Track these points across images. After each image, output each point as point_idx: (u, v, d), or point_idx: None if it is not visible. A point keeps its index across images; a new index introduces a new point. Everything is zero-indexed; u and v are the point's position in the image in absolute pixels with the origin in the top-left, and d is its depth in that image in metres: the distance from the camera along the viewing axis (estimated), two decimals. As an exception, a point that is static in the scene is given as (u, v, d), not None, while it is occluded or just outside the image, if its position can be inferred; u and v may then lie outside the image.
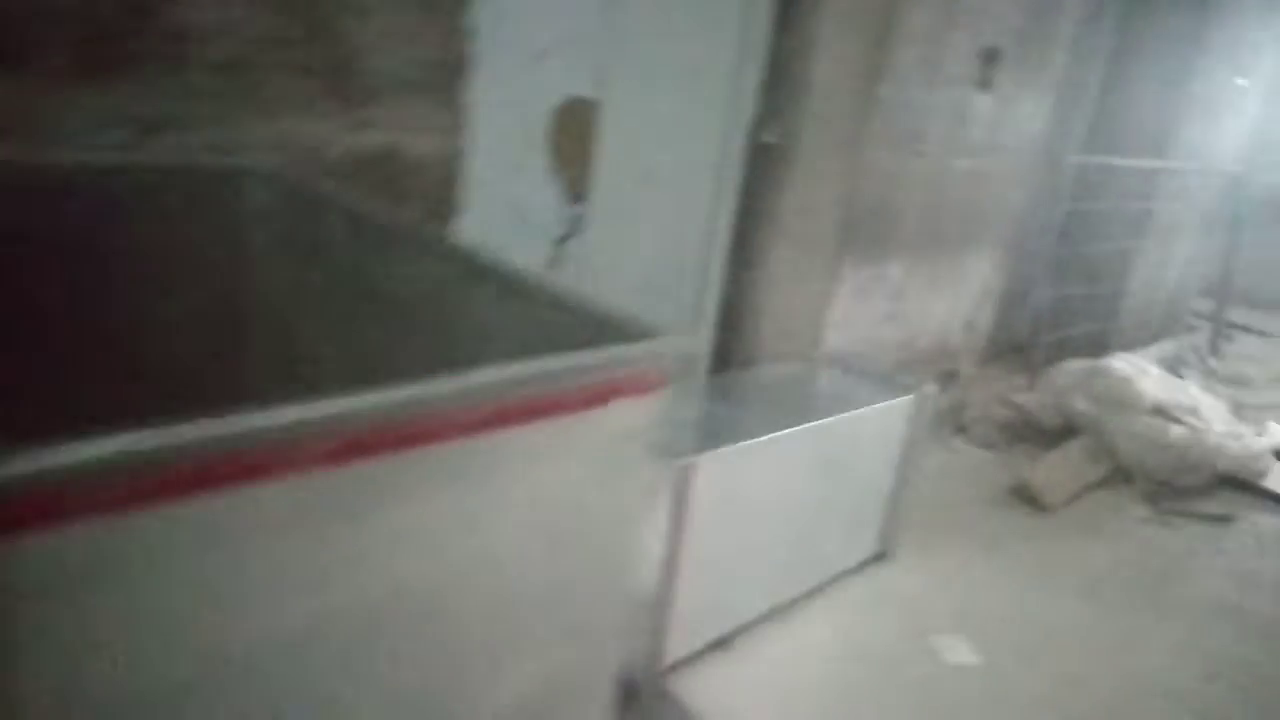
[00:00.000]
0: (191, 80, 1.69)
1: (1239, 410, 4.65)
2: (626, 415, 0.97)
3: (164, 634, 0.72)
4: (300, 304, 1.73)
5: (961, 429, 4.18)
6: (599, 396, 0.93)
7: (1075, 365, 4.31)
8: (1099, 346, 4.89)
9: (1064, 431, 4.14)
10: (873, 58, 3.12)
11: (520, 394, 0.87)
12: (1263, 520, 3.86)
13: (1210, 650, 2.87)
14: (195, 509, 0.70)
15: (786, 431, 2.63)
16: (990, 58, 3.44)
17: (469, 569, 0.89)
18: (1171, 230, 5.58)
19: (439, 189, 2.09)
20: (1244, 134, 5.93)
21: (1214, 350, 6.26)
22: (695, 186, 3.30)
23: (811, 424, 2.65)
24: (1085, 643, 2.82)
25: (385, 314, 1.45)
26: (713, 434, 2.69)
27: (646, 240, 3.21)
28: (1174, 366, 5.37)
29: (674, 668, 2.35)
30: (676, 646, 2.34)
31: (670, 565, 2.20)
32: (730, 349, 3.55)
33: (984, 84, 3.48)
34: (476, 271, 1.26)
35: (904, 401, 2.92)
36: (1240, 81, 5.56)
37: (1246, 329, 7.06)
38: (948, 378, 3.94)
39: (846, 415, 2.76)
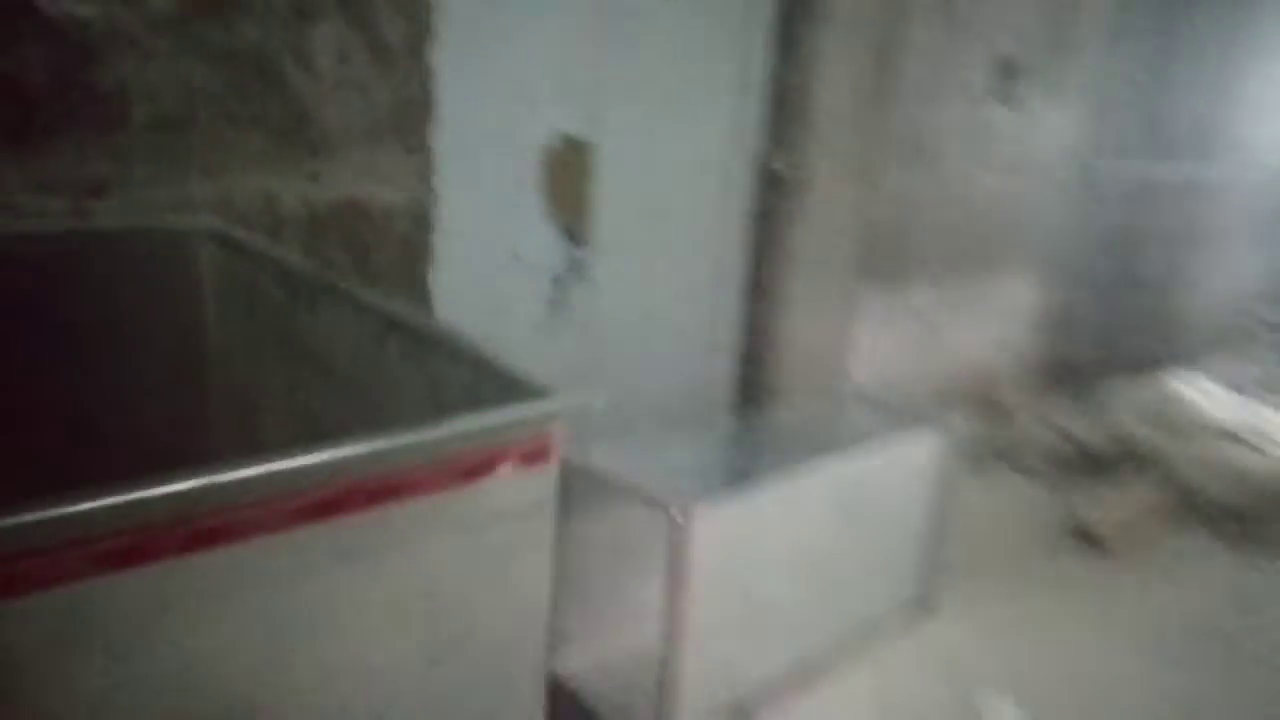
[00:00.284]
0: (132, 140, 1.63)
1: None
2: (512, 490, 0.84)
3: None
4: (248, 363, 1.64)
5: (1008, 460, 3.93)
6: (473, 470, 0.80)
7: (1130, 387, 4.03)
8: (1154, 365, 4.58)
9: (1120, 459, 3.85)
10: (880, 77, 2.98)
11: (370, 472, 0.74)
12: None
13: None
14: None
15: (799, 473, 2.45)
16: (1008, 70, 3.26)
17: (310, 686, 0.75)
18: (1225, 236, 5.25)
19: (407, 238, 2.00)
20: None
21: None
22: (704, 220, 3.17)
23: (828, 463, 2.47)
24: (1151, 708, 2.53)
25: (314, 372, 1.35)
26: (720, 477, 2.53)
27: (655, 277, 3.09)
28: (1237, 384, 5.00)
29: (684, 741, 2.17)
30: (687, 717, 2.16)
31: (673, 625, 2.04)
32: (751, 383, 3.40)
33: (1004, 97, 3.30)
34: (387, 325, 1.14)
35: (931, 434, 2.72)
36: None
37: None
38: (990, 406, 3.71)
39: (867, 452, 2.58)
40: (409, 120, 1.94)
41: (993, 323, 3.72)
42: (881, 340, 3.33)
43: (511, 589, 0.86)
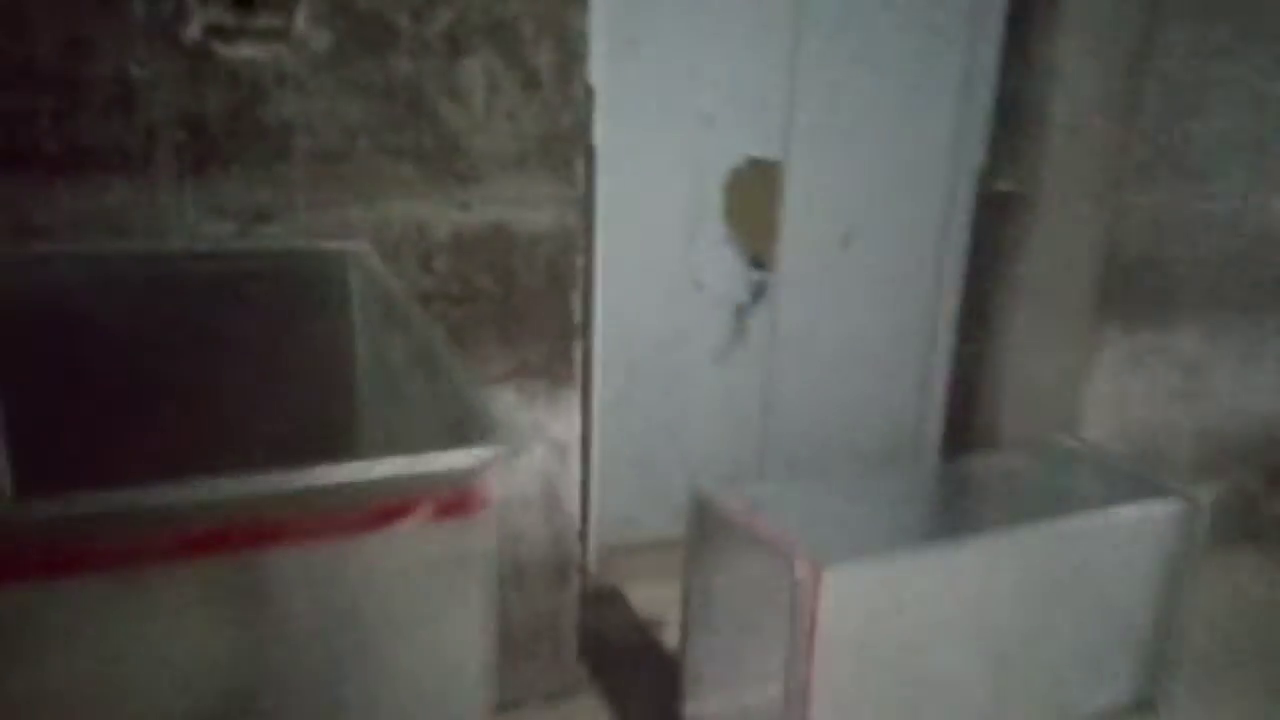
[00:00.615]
0: (294, 170, 1.77)
1: None
2: (426, 542, 0.77)
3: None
4: (390, 374, 1.72)
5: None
6: (367, 520, 0.74)
7: None
8: None
9: None
10: (1129, 82, 2.55)
11: (241, 514, 0.71)
12: None
13: None
14: None
15: (989, 536, 2.14)
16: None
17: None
18: None
19: (553, 263, 2.00)
20: None
21: None
22: (913, 245, 2.91)
23: (1029, 528, 2.14)
24: None
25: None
26: (890, 531, 2.28)
27: (852, 307, 2.87)
28: None
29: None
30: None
31: (794, 688, 1.84)
32: (962, 427, 3.05)
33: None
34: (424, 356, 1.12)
35: (1170, 505, 2.26)
36: None
37: None
38: (1272, 475, 3.04)
39: (1081, 520, 2.20)
40: (558, 147, 1.94)
41: (1282, 374, 3.05)
42: (1130, 389, 2.85)
43: (427, 648, 0.79)
